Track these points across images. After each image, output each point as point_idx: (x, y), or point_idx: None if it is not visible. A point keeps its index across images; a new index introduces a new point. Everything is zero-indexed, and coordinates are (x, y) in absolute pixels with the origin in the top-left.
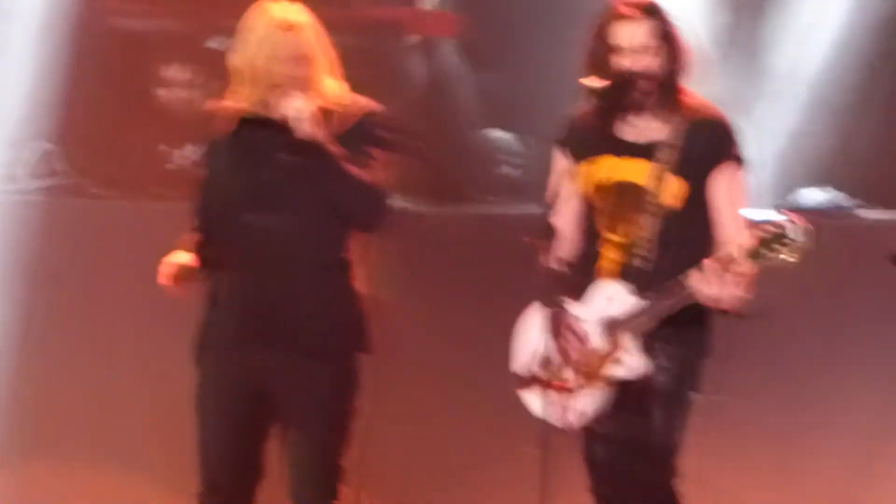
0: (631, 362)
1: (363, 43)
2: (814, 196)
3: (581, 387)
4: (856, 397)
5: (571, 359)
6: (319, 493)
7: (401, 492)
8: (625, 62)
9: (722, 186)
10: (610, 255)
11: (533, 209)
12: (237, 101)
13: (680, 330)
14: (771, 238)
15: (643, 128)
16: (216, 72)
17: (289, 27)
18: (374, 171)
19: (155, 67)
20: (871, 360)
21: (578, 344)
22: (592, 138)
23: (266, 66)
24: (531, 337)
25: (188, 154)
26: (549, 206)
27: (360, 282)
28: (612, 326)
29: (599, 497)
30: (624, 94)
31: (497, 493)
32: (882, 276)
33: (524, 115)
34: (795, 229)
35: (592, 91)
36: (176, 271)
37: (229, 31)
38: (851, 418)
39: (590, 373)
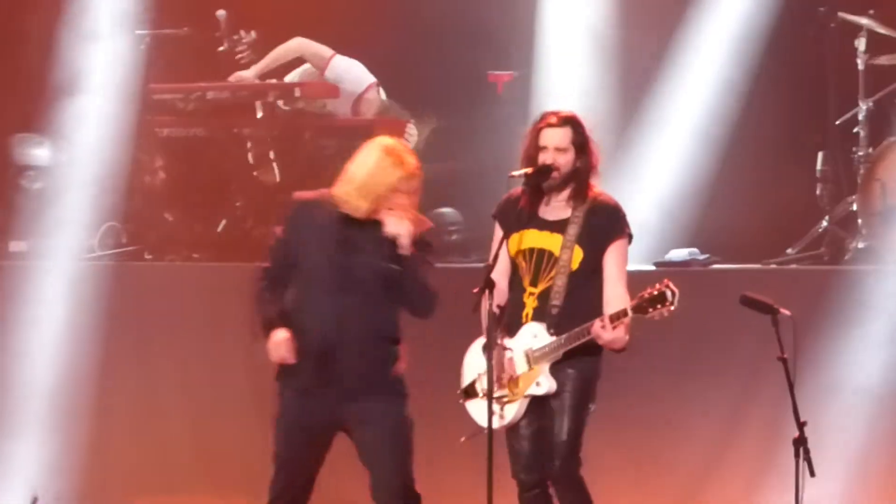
0: (545, 383)
1: (342, 143)
2: (678, 254)
3: (509, 400)
4: (705, 409)
5: (503, 379)
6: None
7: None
8: (547, 158)
9: (612, 256)
10: (531, 303)
11: (474, 264)
12: (347, 199)
13: (580, 359)
14: (654, 299)
15: (557, 209)
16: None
17: (416, 176)
18: (429, 271)
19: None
20: (720, 379)
21: (509, 368)
22: (521, 215)
23: (386, 194)
24: (475, 362)
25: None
26: (488, 266)
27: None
28: (534, 356)
29: (521, 482)
30: (542, 180)
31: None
32: (730, 314)
33: (465, 194)
34: (671, 294)
35: (520, 177)
36: (285, 346)
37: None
38: (700, 427)
39: (516, 390)
